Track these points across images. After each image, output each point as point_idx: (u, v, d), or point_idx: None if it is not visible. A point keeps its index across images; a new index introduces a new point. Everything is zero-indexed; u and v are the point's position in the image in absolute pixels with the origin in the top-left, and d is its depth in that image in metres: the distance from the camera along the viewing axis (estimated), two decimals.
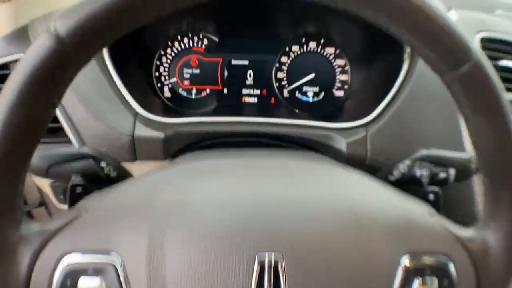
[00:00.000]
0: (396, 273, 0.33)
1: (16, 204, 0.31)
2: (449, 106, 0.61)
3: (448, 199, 0.49)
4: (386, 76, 0.68)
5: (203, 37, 0.76)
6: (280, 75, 0.77)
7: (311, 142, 0.64)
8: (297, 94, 0.78)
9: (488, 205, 0.35)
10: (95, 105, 0.61)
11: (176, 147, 0.63)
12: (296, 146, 0.65)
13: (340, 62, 0.77)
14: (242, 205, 0.34)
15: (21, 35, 0.68)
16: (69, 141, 0.63)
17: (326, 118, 0.67)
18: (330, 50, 0.76)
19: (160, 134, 0.61)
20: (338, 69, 0.77)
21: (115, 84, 0.62)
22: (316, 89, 0.77)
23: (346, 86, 0.77)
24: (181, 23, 0.74)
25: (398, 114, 0.62)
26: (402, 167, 0.49)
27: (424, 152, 0.49)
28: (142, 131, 0.61)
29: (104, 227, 0.34)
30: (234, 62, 0.76)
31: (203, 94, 0.77)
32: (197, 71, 0.77)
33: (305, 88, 0.77)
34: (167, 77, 0.77)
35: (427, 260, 0.34)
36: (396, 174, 0.50)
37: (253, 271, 0.31)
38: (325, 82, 0.77)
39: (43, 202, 0.79)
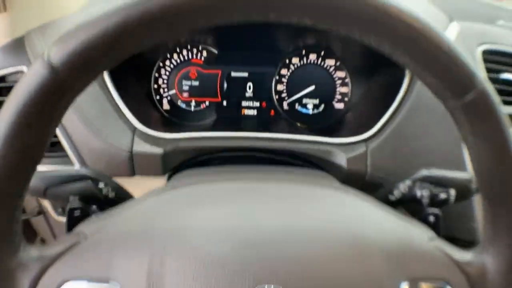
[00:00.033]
0: None
1: (14, 231, 0.31)
2: (450, 122, 0.61)
3: (447, 213, 0.49)
4: (386, 89, 0.68)
5: (202, 49, 0.76)
6: (280, 87, 0.77)
7: (311, 157, 0.64)
8: (297, 106, 0.78)
9: (487, 229, 0.36)
10: (92, 120, 0.61)
11: (175, 163, 0.63)
12: (296, 161, 0.65)
13: (340, 74, 0.77)
14: (242, 233, 0.34)
15: (17, 47, 0.68)
16: (66, 156, 0.63)
17: (326, 132, 0.68)
18: (330, 62, 0.76)
19: (159, 150, 0.61)
20: (339, 81, 0.77)
21: (113, 98, 0.62)
22: (316, 101, 0.78)
23: (346, 99, 0.77)
24: None
25: (398, 130, 0.62)
26: (402, 187, 0.50)
27: (424, 172, 0.49)
28: (141, 147, 0.61)
29: (103, 255, 0.34)
30: (233, 74, 0.76)
31: (202, 106, 0.78)
32: (196, 83, 0.77)
33: (305, 100, 0.78)
34: (166, 89, 0.77)
35: (426, 286, 0.35)
36: (396, 194, 0.50)
37: None
38: (325, 94, 0.77)
39: (41, 211, 0.80)
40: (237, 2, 0.28)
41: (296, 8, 0.29)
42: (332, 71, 0.77)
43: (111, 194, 0.48)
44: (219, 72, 0.76)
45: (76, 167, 0.63)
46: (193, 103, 0.77)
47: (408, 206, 0.52)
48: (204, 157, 0.65)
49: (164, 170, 0.63)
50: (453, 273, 0.35)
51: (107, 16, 0.27)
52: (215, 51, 0.76)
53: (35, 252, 0.34)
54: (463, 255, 0.37)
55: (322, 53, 0.76)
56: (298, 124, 0.77)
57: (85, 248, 0.35)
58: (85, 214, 0.44)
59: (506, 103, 0.68)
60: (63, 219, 0.74)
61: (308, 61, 0.77)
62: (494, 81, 0.70)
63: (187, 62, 0.76)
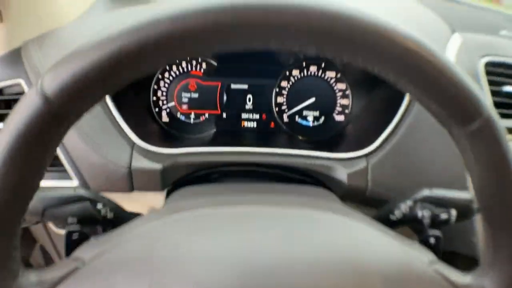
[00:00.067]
0: None
1: (13, 256, 0.32)
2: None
3: (448, 227, 0.49)
4: (388, 103, 0.68)
5: (202, 60, 0.76)
6: (280, 99, 0.77)
7: (311, 172, 0.65)
8: (297, 118, 0.78)
9: (488, 253, 0.36)
10: (91, 136, 0.61)
11: (174, 178, 0.64)
12: (296, 175, 0.66)
13: (341, 86, 0.77)
14: (242, 262, 0.35)
15: (14, 59, 0.68)
16: (65, 170, 0.64)
17: (326, 146, 0.68)
18: (331, 74, 0.77)
19: (157, 166, 0.61)
20: (339, 93, 0.77)
21: (112, 114, 0.63)
22: (317, 113, 0.78)
23: (347, 111, 0.77)
24: None
25: (400, 145, 0.62)
26: (403, 207, 0.50)
27: (425, 192, 0.49)
28: (139, 162, 0.61)
29: (101, 282, 0.34)
30: (233, 86, 0.77)
31: (202, 118, 0.78)
32: (195, 95, 0.77)
33: (305, 113, 0.78)
34: (165, 102, 0.77)
35: None
36: (397, 214, 0.51)
37: None
38: (326, 106, 0.78)
39: (40, 220, 0.80)
40: (232, 30, 0.28)
41: (298, 36, 0.29)
42: (332, 83, 0.77)
43: (110, 215, 0.48)
44: (219, 84, 0.77)
45: (75, 182, 0.64)
46: (192, 116, 0.78)
47: (409, 225, 0.52)
48: (203, 172, 0.65)
49: (163, 185, 0.63)
50: None
51: (101, 44, 0.27)
52: (215, 63, 0.76)
53: (34, 277, 0.34)
54: (463, 279, 0.37)
55: (323, 65, 0.76)
56: (300, 138, 0.77)
57: (84, 275, 0.35)
58: (84, 237, 0.44)
59: (508, 116, 0.69)
60: (62, 231, 0.74)
61: (309, 73, 0.77)
62: (496, 94, 0.70)
63: (186, 74, 0.77)
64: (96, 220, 0.47)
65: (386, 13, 0.74)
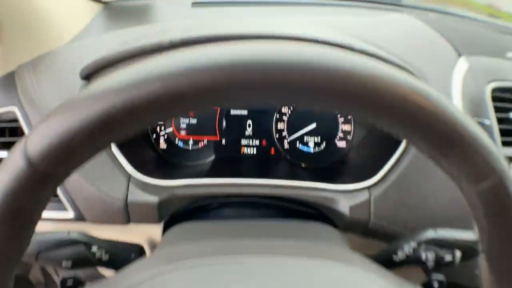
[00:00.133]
0: None
1: None
2: None
3: None
4: None
5: None
6: (281, 125, 0.78)
7: (312, 204, 0.65)
8: (298, 144, 0.78)
9: None
10: (86, 167, 0.61)
11: (171, 210, 0.64)
12: (297, 206, 0.66)
13: None
14: None
15: (7, 84, 0.68)
16: (59, 200, 0.64)
17: (327, 175, 0.68)
18: None
19: (154, 198, 0.61)
20: (341, 119, 0.77)
21: None
22: (318, 139, 0.78)
23: (349, 137, 0.78)
24: None
25: (403, 177, 0.62)
26: (407, 248, 0.50)
27: (430, 234, 0.49)
28: (136, 195, 0.61)
29: None
30: (233, 112, 0.77)
31: (201, 145, 0.78)
32: (194, 121, 0.78)
33: (306, 139, 0.78)
34: (162, 127, 0.78)
35: None
36: (400, 255, 0.51)
37: None
38: (327, 132, 0.78)
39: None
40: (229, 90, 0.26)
41: (303, 95, 0.27)
42: None
43: (105, 257, 0.48)
44: (218, 109, 0.77)
45: (70, 214, 0.64)
46: (191, 142, 0.78)
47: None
48: (202, 204, 0.66)
49: (160, 218, 0.63)
50: None
51: (89, 101, 0.26)
52: None
53: None
54: None
55: None
56: (303, 165, 0.77)
57: None
58: (78, 284, 0.45)
59: None
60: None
61: None
62: (503, 121, 0.70)
63: None
64: (91, 262, 0.48)
65: (392, 38, 0.74)
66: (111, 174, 0.62)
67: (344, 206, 0.63)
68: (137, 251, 0.68)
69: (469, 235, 0.49)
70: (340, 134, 0.78)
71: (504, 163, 0.30)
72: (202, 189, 0.64)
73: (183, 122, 0.78)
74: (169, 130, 0.78)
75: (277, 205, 0.66)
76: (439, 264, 0.48)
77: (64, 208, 0.64)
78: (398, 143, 0.64)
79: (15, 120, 0.66)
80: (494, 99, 0.71)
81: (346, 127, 0.78)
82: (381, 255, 0.52)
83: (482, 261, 0.51)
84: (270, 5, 0.96)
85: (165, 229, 0.65)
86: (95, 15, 0.90)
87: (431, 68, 0.69)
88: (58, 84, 0.66)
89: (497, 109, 0.70)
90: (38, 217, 0.30)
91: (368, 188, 0.63)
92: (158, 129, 0.78)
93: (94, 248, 0.47)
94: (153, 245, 0.68)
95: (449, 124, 0.27)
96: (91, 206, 0.62)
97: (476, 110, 0.68)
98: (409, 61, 0.67)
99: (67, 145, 0.26)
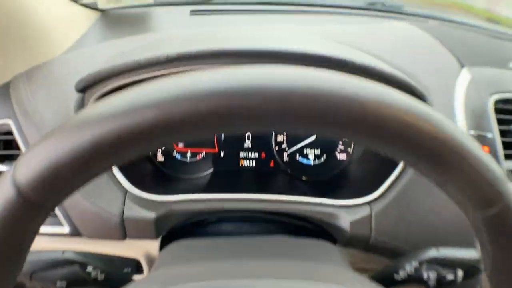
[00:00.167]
0: None
1: None
2: None
3: None
4: None
5: None
6: (280, 138, 0.77)
7: (312, 220, 0.64)
8: (298, 157, 0.78)
9: None
10: None
11: (168, 226, 0.64)
12: (297, 221, 0.66)
13: None
14: None
15: (2, 95, 0.68)
16: (55, 215, 0.64)
17: (328, 189, 0.68)
18: None
19: (151, 214, 0.61)
20: None
21: None
22: (318, 151, 0.78)
23: (349, 149, 0.77)
24: None
25: (404, 192, 0.62)
26: (408, 268, 0.50)
27: (432, 253, 0.49)
28: (132, 211, 0.61)
29: None
30: None
31: (199, 157, 0.78)
32: None
33: (306, 151, 0.78)
34: None
35: None
36: (402, 274, 0.50)
37: None
38: (327, 144, 0.77)
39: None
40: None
41: (306, 121, 0.26)
42: None
43: (100, 277, 0.48)
44: None
45: (66, 229, 0.64)
46: (189, 154, 0.78)
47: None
48: (199, 218, 0.65)
49: (157, 234, 0.63)
50: None
51: (80, 128, 0.25)
52: None
53: None
54: None
55: None
56: (303, 178, 0.77)
57: None
58: None
59: None
60: None
61: None
62: (506, 134, 0.70)
63: None
64: (86, 282, 0.47)
65: (393, 48, 0.74)
66: (107, 189, 0.62)
67: (344, 221, 0.62)
68: (134, 266, 0.67)
69: (471, 253, 0.49)
70: (341, 147, 0.78)
71: (511, 189, 0.29)
72: (200, 205, 0.63)
73: None
74: None
75: (277, 221, 0.65)
76: (441, 283, 0.48)
77: (59, 223, 0.64)
78: None
79: (10, 133, 0.65)
80: (497, 111, 0.71)
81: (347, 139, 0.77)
82: (383, 273, 0.52)
83: (484, 282, 0.51)
84: (268, 13, 0.95)
85: (162, 244, 0.65)
86: (92, 24, 0.90)
87: (434, 80, 0.69)
88: (53, 96, 0.65)
89: (499, 122, 0.70)
90: (30, 244, 0.30)
91: (369, 203, 0.63)
92: None
93: (89, 268, 0.47)
94: (150, 260, 0.67)
95: (455, 150, 0.27)
96: (87, 221, 0.62)
97: (478, 122, 0.68)
98: (411, 73, 0.66)
99: (57, 174, 0.25)
